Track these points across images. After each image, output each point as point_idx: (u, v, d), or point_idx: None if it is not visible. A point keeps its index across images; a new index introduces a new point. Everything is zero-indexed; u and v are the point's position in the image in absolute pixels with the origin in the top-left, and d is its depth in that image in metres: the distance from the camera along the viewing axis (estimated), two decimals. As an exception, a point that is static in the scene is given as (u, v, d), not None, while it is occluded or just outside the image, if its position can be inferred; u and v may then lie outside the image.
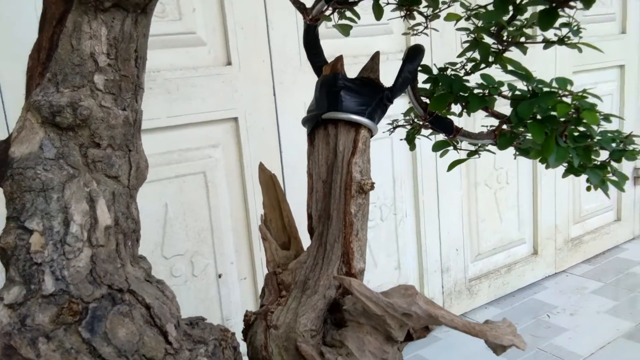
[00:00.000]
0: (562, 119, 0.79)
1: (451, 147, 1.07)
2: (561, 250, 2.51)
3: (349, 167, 0.72)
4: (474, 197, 2.24)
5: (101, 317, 0.51)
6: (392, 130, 1.10)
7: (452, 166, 1.06)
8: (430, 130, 1.08)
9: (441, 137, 1.06)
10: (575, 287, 2.39)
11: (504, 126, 0.92)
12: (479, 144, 1.06)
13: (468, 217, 2.22)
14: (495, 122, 0.97)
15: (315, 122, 0.76)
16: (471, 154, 1.07)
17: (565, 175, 0.96)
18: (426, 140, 2.20)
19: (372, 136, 0.79)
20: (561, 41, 0.81)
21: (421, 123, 1.04)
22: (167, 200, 1.65)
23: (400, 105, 1.13)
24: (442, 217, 2.11)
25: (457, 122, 1.01)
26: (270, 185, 0.92)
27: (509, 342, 0.64)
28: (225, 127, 1.70)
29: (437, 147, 1.07)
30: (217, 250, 1.74)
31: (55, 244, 0.51)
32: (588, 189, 0.94)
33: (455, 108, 0.94)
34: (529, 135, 0.95)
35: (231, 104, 1.67)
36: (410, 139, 1.08)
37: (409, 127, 1.12)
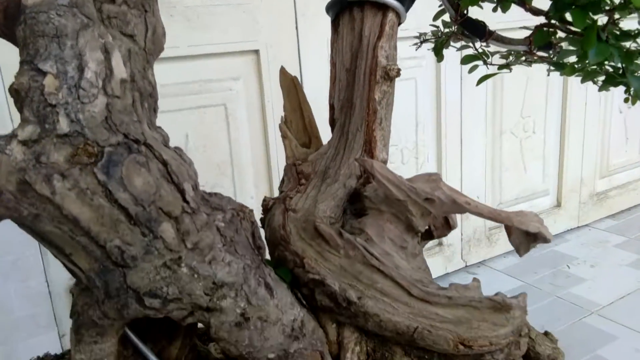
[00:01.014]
0: (606, 7, 0.73)
1: (481, 62, 1.01)
2: (585, 204, 2.43)
3: (374, 52, 0.69)
4: (498, 145, 2.17)
5: (117, 162, 0.50)
6: (419, 44, 1.05)
7: (481, 80, 1.01)
8: (459, 43, 1.03)
9: (470, 51, 1.01)
10: (598, 241, 2.32)
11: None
12: (512, 55, 1.00)
13: (491, 164, 2.16)
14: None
15: (340, 7, 0.72)
16: (502, 67, 1.01)
17: (602, 87, 0.89)
18: (451, 83, 2.12)
19: (399, 23, 0.74)
20: None
21: (450, 30, 0.99)
22: (188, 130, 1.63)
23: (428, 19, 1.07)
24: (464, 163, 2.06)
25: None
26: (292, 87, 0.89)
27: (535, 228, 0.61)
28: (246, 59, 1.65)
29: (467, 60, 1.02)
30: (237, 184, 1.73)
31: (69, 87, 0.49)
32: (626, 100, 0.88)
33: (489, 7, 0.89)
34: (565, 46, 0.89)
35: (252, 36, 1.62)
36: (438, 50, 1.03)
37: (434, 39, 1.06)
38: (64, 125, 0.48)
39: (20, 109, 0.49)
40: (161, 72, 1.49)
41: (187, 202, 0.55)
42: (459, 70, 1.98)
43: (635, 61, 0.83)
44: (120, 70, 0.52)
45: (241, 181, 1.69)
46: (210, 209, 0.59)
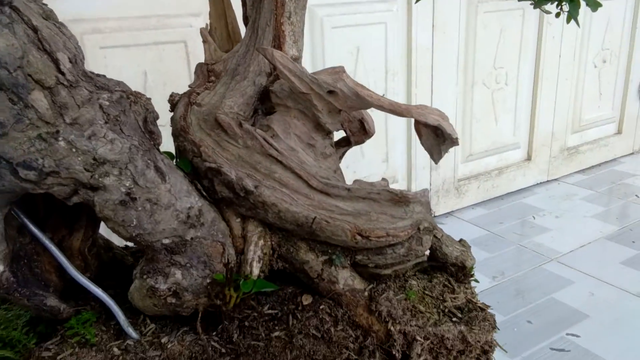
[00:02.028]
0: None
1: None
2: (556, 159, 2.42)
3: (283, -59, 0.65)
4: (470, 96, 2.13)
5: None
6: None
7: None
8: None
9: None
10: (566, 194, 2.32)
11: None
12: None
13: (462, 116, 2.13)
14: None
15: None
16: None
17: (537, 4, 0.85)
18: (423, 30, 2.06)
19: None
20: None
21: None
22: (146, 67, 1.59)
23: None
24: (432, 112, 2.02)
25: None
26: (218, -4, 0.85)
27: (434, 121, 0.59)
28: (205, -5, 1.59)
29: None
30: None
31: None
32: (557, 15, 0.85)
33: None
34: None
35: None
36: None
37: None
38: None
39: None
40: (117, 5, 1.44)
41: (63, 74, 0.52)
42: (431, 16, 1.92)
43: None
44: None
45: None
46: (94, 87, 0.56)
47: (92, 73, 0.58)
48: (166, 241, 0.60)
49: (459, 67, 2.07)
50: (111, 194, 0.56)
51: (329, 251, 0.66)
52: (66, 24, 0.57)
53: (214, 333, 0.67)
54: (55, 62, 0.51)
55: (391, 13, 1.89)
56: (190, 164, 0.65)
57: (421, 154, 2.04)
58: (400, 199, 0.62)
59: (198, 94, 0.68)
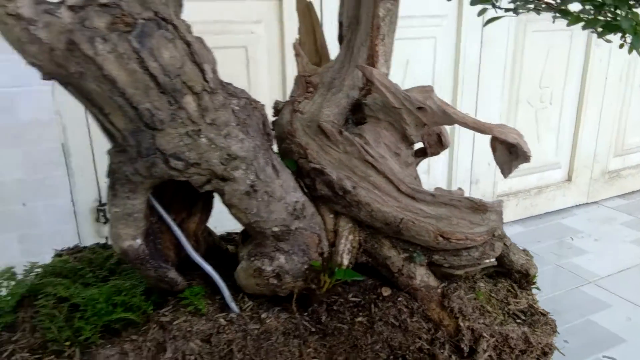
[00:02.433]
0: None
1: (489, 6, 1.07)
2: (596, 181, 2.47)
3: (383, -28, 0.76)
4: (513, 113, 2.21)
5: (148, 34, 0.59)
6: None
7: (489, 22, 1.07)
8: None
9: (483, -5, 1.06)
10: (605, 218, 2.37)
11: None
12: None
13: (504, 132, 2.20)
14: None
15: None
16: (508, 10, 1.07)
17: (601, 34, 0.95)
18: (471, 46, 2.14)
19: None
20: None
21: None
22: (210, 69, 1.70)
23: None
24: (477, 127, 2.11)
25: None
26: (307, 12, 0.97)
27: (513, 139, 0.69)
28: (268, 4, 1.71)
29: (475, 2, 1.08)
30: (253, 126, 1.81)
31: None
32: (621, 46, 0.94)
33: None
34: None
35: (274, -19, 1.67)
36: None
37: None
38: (104, -7, 0.57)
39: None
40: (185, 11, 1.57)
41: (207, 82, 0.64)
42: (480, 33, 2.02)
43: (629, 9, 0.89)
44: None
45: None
46: (226, 93, 0.68)
47: (223, 81, 0.70)
48: (275, 229, 0.72)
49: (505, 84, 2.15)
50: (239, 184, 0.68)
51: (410, 249, 0.77)
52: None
53: (305, 313, 0.78)
54: (202, 72, 0.63)
55: (441, 28, 2.00)
56: (296, 164, 0.76)
57: (462, 167, 2.13)
58: (479, 207, 0.72)
59: (299, 102, 0.79)
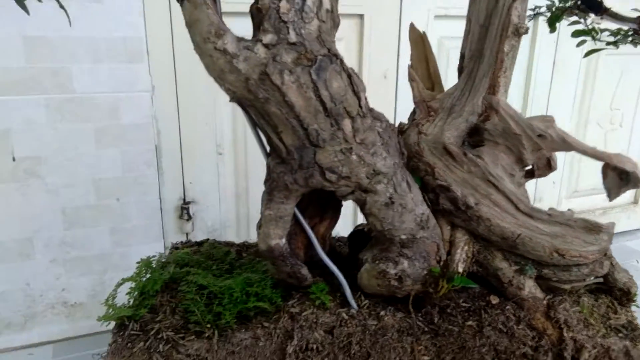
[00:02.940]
0: None
1: (589, 38, 1.15)
2: (664, 205, 2.47)
3: (509, 11, 0.85)
4: (582, 133, 2.25)
5: (324, 68, 0.71)
6: (532, 16, 1.19)
7: (588, 53, 1.15)
8: (573, 18, 1.16)
9: (581, 26, 1.14)
10: (673, 242, 2.36)
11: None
12: (620, 34, 1.13)
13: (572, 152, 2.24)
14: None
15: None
16: (610, 44, 1.14)
17: None
18: (544, 64, 2.20)
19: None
20: None
21: (564, 4, 1.13)
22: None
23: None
24: (546, 145, 2.16)
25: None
26: (419, 41, 1.07)
27: (631, 168, 0.77)
28: (350, 22, 1.82)
29: (576, 34, 1.15)
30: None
31: (296, 11, 0.70)
32: None
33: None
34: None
35: (359, 0, 1.78)
36: (552, 21, 1.17)
37: (549, 13, 1.20)
38: (292, 36, 0.69)
39: (259, 23, 0.71)
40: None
41: (361, 107, 0.75)
42: (553, 51, 2.07)
43: None
44: (326, 2, 0.72)
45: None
46: (372, 117, 0.79)
47: (370, 107, 0.81)
48: (403, 237, 0.82)
49: (575, 105, 2.20)
50: (379, 196, 0.78)
51: (522, 262, 0.85)
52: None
53: (419, 314, 0.88)
54: (359, 99, 0.74)
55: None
56: (421, 180, 0.86)
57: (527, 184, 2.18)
58: (593, 228, 0.80)
59: (422, 125, 0.90)
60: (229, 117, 1.89)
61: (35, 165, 1.67)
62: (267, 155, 0.83)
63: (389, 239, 0.82)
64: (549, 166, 0.90)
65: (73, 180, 1.73)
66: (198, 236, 1.95)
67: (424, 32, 1.09)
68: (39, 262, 1.75)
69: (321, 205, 0.89)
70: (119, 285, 1.01)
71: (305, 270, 0.87)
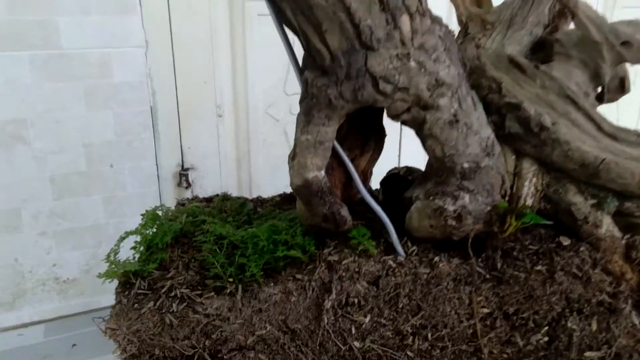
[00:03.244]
0: None
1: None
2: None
3: None
4: None
5: None
6: None
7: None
8: None
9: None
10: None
11: None
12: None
13: None
14: None
15: None
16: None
17: None
18: None
19: None
20: None
21: None
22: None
23: None
24: None
25: None
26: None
27: None
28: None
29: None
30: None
31: None
32: None
33: None
34: None
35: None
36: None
37: None
38: None
39: None
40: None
41: (421, 3, 0.61)
42: None
43: None
44: None
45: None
46: (430, 18, 0.65)
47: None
48: (466, 165, 0.69)
49: None
50: (442, 113, 0.65)
51: (600, 195, 0.73)
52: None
53: (479, 259, 0.76)
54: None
55: None
56: (483, 100, 0.73)
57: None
58: (690, 149, 0.68)
59: (479, 38, 0.76)
60: (229, 75, 1.75)
61: (21, 129, 1.52)
62: (301, 71, 0.68)
63: (448, 168, 0.69)
64: (621, 88, 0.78)
65: (62, 145, 1.59)
66: (200, 203, 1.80)
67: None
68: (28, 235, 1.61)
69: (363, 135, 0.76)
70: (121, 239, 0.87)
71: (345, 211, 0.74)
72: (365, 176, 0.79)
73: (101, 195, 1.70)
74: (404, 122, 0.68)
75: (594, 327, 0.77)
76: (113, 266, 0.80)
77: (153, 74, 1.66)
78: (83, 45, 1.53)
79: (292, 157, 0.68)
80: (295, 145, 0.68)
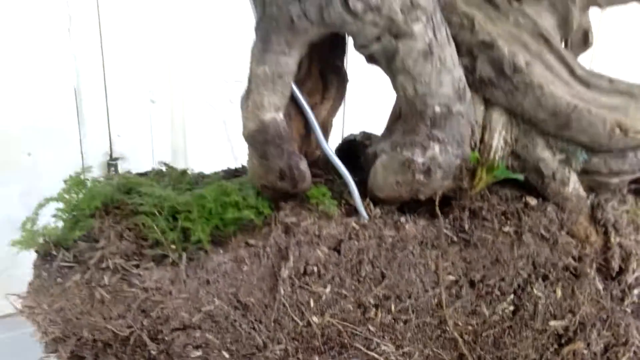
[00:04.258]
0: None
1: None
2: None
3: None
4: None
5: None
6: None
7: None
8: None
9: None
10: None
11: None
12: None
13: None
14: None
15: None
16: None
17: None
18: None
19: None
20: None
21: None
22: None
23: None
24: None
25: None
26: None
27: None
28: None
29: None
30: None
31: None
32: None
33: None
34: None
35: None
36: None
37: None
38: None
39: None
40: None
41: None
42: None
43: None
44: None
45: None
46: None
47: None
48: (437, 109, 0.62)
49: None
50: (416, 41, 0.58)
51: (569, 149, 0.69)
52: None
53: (446, 220, 0.69)
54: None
55: None
56: (454, 39, 0.67)
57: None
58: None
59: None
60: (164, 55, 1.61)
61: None
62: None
63: (419, 112, 0.62)
64: (585, 41, 0.76)
65: (-30, 129, 1.38)
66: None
67: None
68: None
69: (323, 79, 0.68)
70: (40, 206, 0.73)
71: (304, 165, 0.65)
72: (326, 129, 0.71)
73: (17, 187, 1.50)
74: (372, 59, 0.61)
75: (559, 293, 0.73)
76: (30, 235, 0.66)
77: (77, 52, 1.49)
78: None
79: (246, 95, 0.59)
80: (249, 80, 0.58)
